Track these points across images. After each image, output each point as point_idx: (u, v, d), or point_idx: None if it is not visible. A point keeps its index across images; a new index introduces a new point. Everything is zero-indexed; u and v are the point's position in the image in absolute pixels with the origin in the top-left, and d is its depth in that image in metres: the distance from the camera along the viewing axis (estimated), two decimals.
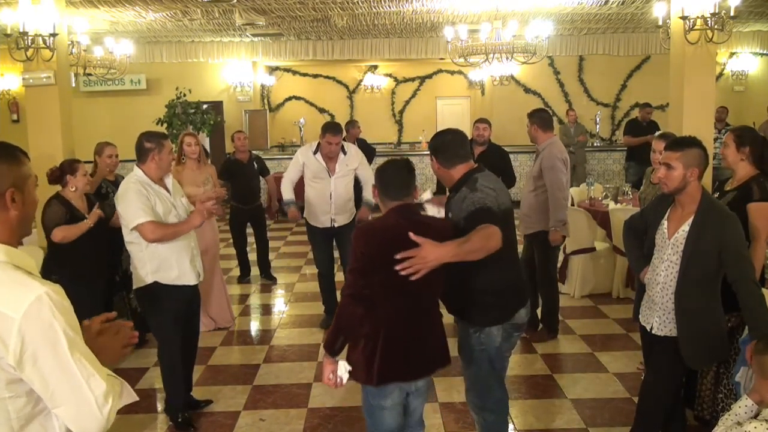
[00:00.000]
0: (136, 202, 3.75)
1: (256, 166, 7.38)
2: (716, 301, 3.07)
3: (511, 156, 6.61)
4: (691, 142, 3.06)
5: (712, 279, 3.02)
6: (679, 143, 3.09)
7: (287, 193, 5.74)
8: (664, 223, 3.14)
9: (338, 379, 2.84)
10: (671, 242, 3.07)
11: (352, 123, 9.28)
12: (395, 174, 2.82)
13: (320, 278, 5.98)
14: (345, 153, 5.69)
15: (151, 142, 3.91)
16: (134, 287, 4.02)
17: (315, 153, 5.64)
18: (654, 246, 3.20)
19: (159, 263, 3.89)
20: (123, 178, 5.62)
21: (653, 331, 3.19)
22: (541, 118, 5.29)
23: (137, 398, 1.73)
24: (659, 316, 3.15)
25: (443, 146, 3.09)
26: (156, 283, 3.90)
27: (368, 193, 5.65)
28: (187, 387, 4.30)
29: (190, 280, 4.01)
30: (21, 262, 1.62)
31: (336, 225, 5.68)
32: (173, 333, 4.05)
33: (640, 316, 3.34)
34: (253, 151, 7.85)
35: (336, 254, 5.96)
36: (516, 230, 3.25)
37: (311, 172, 5.66)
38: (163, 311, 3.99)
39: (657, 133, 4.67)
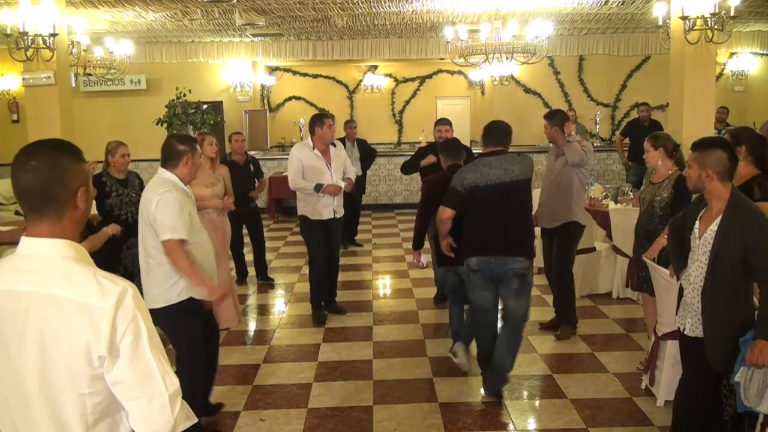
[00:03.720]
0: (179, 216, 3.53)
1: (252, 168, 7.30)
2: (746, 305, 3.05)
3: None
4: (711, 144, 3.06)
5: (741, 281, 2.99)
6: (698, 144, 3.10)
7: (306, 183, 5.82)
8: (696, 223, 3.15)
9: (421, 263, 5.05)
10: (701, 242, 3.07)
11: (348, 123, 9.38)
12: (452, 145, 5.07)
13: (317, 271, 6.07)
14: (335, 146, 6.04)
15: (184, 144, 3.67)
16: (157, 306, 3.56)
17: (313, 149, 5.86)
18: (690, 247, 3.20)
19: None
20: (135, 175, 5.60)
21: (685, 332, 3.19)
22: (562, 119, 5.35)
23: (196, 419, 1.72)
24: (691, 317, 3.15)
25: (487, 132, 4.39)
26: (190, 299, 3.66)
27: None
28: (208, 392, 4.15)
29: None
30: (87, 259, 1.67)
31: (337, 216, 5.96)
32: (203, 352, 3.83)
33: (677, 317, 3.33)
34: (252, 152, 7.82)
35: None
36: (513, 207, 4.23)
37: (312, 168, 5.83)
38: (197, 330, 3.78)
39: (649, 135, 4.68)
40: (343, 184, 5.93)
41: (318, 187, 5.76)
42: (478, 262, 4.22)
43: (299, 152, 5.90)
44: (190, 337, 3.77)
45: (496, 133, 4.36)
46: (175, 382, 1.62)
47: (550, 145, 5.55)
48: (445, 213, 4.29)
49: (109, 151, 5.33)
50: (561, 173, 5.29)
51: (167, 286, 3.62)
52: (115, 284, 1.58)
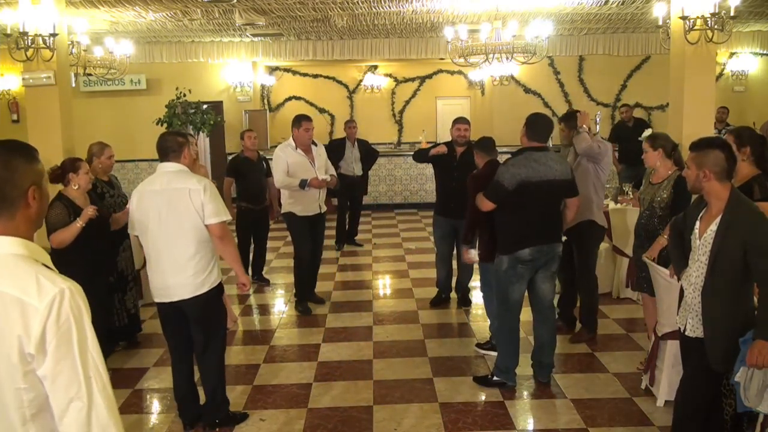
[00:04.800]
0: (222, 200, 3.80)
1: (265, 165, 7.28)
2: (746, 305, 3.05)
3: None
4: (709, 144, 3.07)
5: (741, 280, 2.99)
6: (696, 144, 3.12)
7: (291, 181, 6.04)
8: (697, 224, 3.15)
9: (470, 259, 4.99)
10: (701, 242, 3.08)
11: (347, 123, 9.34)
12: (488, 142, 5.09)
13: (301, 265, 6.37)
14: (316, 145, 6.32)
15: (182, 137, 3.87)
16: (201, 292, 3.78)
17: (296, 149, 6.18)
18: (691, 248, 3.20)
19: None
20: (116, 178, 5.63)
21: (686, 333, 3.19)
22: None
23: None
24: (692, 318, 3.15)
25: (532, 126, 4.50)
26: (220, 283, 3.93)
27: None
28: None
29: None
30: (40, 257, 1.71)
31: (321, 211, 6.30)
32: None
33: (678, 317, 3.33)
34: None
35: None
36: (552, 200, 4.48)
37: (297, 166, 6.11)
38: (225, 311, 4.05)
39: (647, 135, 4.67)
40: (327, 177, 6.17)
41: (303, 183, 5.97)
42: (532, 252, 4.38)
43: (283, 152, 6.18)
44: (224, 315, 4.02)
45: (542, 128, 4.52)
46: (94, 389, 1.61)
47: (570, 147, 5.44)
48: (487, 206, 4.45)
49: (94, 154, 5.31)
50: (578, 173, 5.16)
51: (208, 272, 3.80)
52: (54, 285, 1.60)
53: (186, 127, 10.91)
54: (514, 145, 12.22)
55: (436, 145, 6.44)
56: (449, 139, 6.20)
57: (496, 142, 5.21)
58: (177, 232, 3.70)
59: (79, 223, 4.44)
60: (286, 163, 6.07)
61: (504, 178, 4.33)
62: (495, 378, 4.60)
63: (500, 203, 4.38)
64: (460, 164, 5.92)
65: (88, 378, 1.60)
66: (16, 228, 1.69)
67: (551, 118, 4.66)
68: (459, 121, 6.15)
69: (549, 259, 4.50)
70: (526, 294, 4.62)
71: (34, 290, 1.58)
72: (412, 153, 6.87)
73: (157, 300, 3.92)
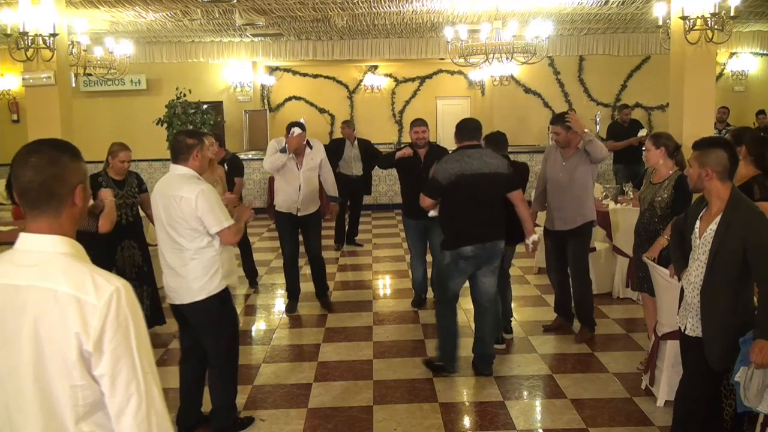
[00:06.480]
0: (220, 205, 3.66)
1: (226, 167, 6.86)
2: (745, 304, 3.05)
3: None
4: (712, 143, 3.08)
5: (740, 280, 2.99)
6: (699, 143, 3.13)
7: (275, 158, 5.98)
8: (697, 223, 3.16)
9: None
10: (701, 242, 3.09)
11: (343, 123, 9.26)
12: (499, 138, 5.22)
13: (286, 264, 6.38)
14: (311, 147, 6.11)
15: (193, 138, 3.70)
16: (199, 298, 3.69)
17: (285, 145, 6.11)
18: (692, 247, 3.20)
19: (230, 265, 3.82)
20: (135, 176, 5.59)
21: (686, 332, 3.20)
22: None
23: None
24: (692, 317, 3.16)
25: (460, 129, 4.73)
26: (226, 288, 3.79)
27: (332, 190, 6.38)
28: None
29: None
30: (83, 256, 1.70)
31: (300, 214, 6.12)
32: (237, 342, 4.03)
33: (678, 317, 3.34)
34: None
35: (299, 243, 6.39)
36: (492, 197, 4.58)
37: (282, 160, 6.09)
38: (236, 316, 4.00)
39: (649, 134, 4.68)
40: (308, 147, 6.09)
41: (283, 150, 5.94)
42: (474, 249, 4.53)
43: (278, 143, 6.15)
44: (231, 322, 3.92)
45: (469, 129, 4.73)
46: (152, 387, 1.62)
47: (556, 149, 5.39)
48: (426, 201, 4.70)
49: (111, 153, 5.33)
50: (578, 174, 5.20)
51: (207, 278, 3.68)
52: (110, 283, 1.60)
53: (186, 128, 10.91)
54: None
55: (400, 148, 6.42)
56: (436, 140, 6.18)
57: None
58: (174, 236, 3.67)
59: (110, 199, 4.79)
60: (277, 150, 6.05)
61: (438, 173, 4.55)
62: (438, 363, 4.80)
63: (442, 199, 4.59)
64: (425, 165, 5.90)
65: (146, 374, 1.61)
66: (61, 226, 1.68)
67: (477, 119, 4.89)
68: (416, 124, 6.09)
69: (491, 256, 4.64)
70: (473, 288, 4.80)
71: (91, 288, 1.58)
72: (378, 159, 6.83)
73: (168, 300, 3.91)
